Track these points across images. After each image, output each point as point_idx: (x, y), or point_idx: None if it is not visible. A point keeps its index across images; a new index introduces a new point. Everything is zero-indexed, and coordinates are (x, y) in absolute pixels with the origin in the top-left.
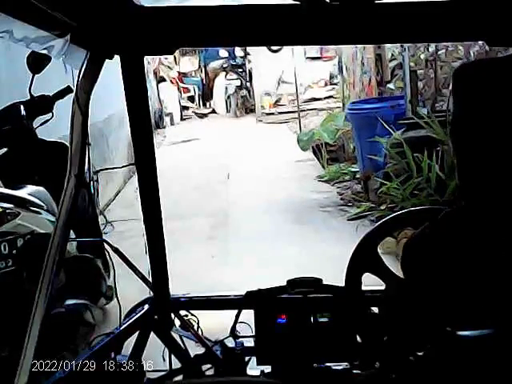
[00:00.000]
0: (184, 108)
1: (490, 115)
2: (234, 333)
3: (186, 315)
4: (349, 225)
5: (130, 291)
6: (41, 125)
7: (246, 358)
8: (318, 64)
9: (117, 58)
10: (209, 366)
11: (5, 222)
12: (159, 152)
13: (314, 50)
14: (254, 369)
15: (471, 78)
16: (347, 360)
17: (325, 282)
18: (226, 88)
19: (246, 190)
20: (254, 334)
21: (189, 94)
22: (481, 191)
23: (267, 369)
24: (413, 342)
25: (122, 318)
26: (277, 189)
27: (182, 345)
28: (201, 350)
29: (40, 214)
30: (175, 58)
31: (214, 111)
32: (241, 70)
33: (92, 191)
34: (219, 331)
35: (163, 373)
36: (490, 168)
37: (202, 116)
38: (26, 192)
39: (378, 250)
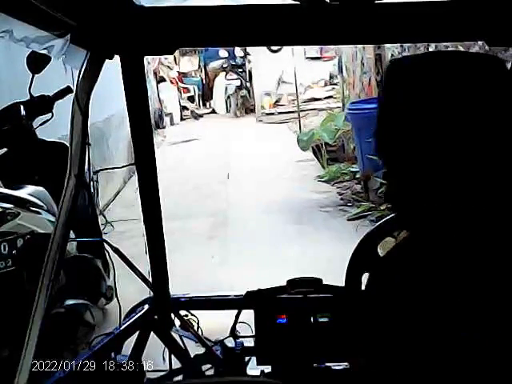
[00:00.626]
0: (184, 108)
1: (420, 111)
2: (234, 333)
3: (186, 315)
4: (349, 225)
5: (130, 291)
6: (41, 125)
7: (246, 358)
8: (317, 64)
9: (117, 57)
10: (209, 366)
11: (5, 221)
12: (159, 152)
13: (313, 50)
14: (254, 369)
15: (403, 73)
16: (347, 360)
17: (325, 282)
18: (226, 88)
19: (246, 189)
20: (254, 334)
21: (189, 94)
22: (410, 196)
23: (267, 369)
24: (413, 341)
25: (122, 318)
26: (277, 189)
27: (182, 345)
28: (201, 350)
29: (40, 214)
30: (175, 58)
31: (213, 111)
32: (241, 70)
33: (92, 191)
34: (219, 331)
35: (163, 373)
36: (420, 170)
37: (197, 116)
38: (25, 192)
39: (378, 249)
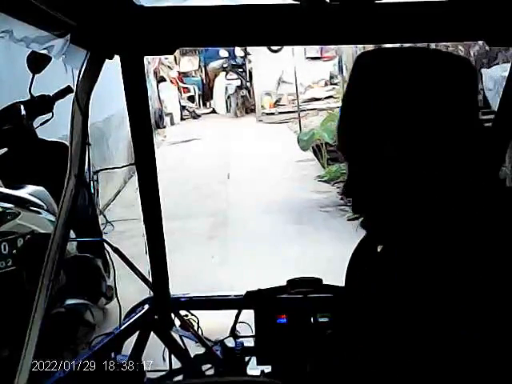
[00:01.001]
0: (184, 108)
1: (382, 106)
2: (234, 333)
3: (186, 315)
4: (349, 225)
5: (130, 291)
6: (41, 124)
7: (246, 358)
8: (318, 64)
9: (117, 57)
10: (209, 365)
11: (5, 221)
12: (159, 152)
13: (314, 49)
14: (254, 369)
15: (367, 67)
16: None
17: (325, 282)
18: (226, 88)
19: (246, 189)
20: (254, 333)
21: (189, 94)
22: (369, 191)
23: (267, 369)
24: (413, 342)
25: (122, 318)
26: (277, 189)
27: (182, 345)
28: (201, 350)
29: (40, 213)
30: (175, 57)
31: (214, 111)
32: (241, 69)
33: (92, 191)
34: (219, 331)
35: (163, 373)
36: (380, 166)
37: (196, 116)
38: (26, 192)
39: (378, 249)
